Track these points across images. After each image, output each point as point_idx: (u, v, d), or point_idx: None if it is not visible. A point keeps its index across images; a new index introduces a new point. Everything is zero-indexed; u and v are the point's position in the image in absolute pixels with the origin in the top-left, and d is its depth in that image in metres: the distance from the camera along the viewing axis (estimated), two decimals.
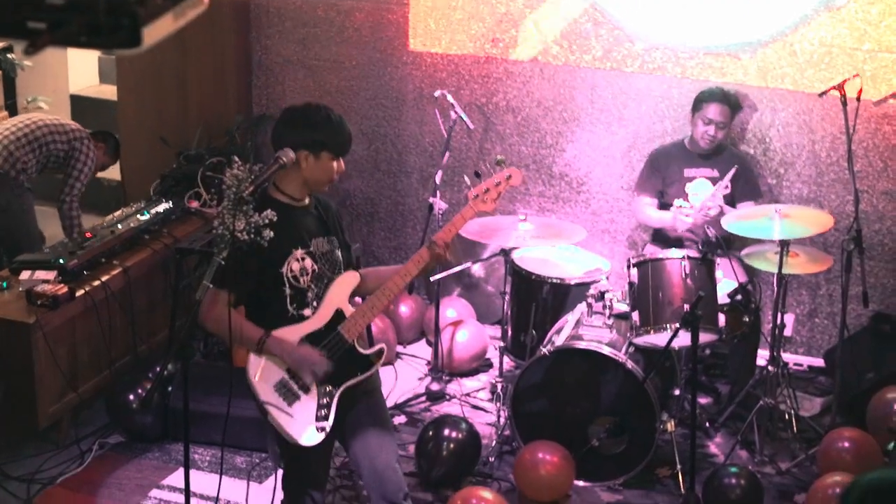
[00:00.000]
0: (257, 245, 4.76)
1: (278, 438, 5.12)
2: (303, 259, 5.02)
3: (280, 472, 5.53)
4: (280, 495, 5.43)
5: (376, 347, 5.23)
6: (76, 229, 7.79)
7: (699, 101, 7.48)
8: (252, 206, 4.75)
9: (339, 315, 5.09)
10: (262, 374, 5.00)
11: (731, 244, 7.25)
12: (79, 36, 2.01)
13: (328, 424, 5.04)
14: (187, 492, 5.11)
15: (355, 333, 5.11)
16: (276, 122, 5.15)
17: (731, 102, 7.49)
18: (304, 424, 5.01)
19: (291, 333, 5.02)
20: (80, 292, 6.83)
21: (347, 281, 5.15)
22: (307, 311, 5.05)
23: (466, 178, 5.34)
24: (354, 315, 5.11)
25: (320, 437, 5.03)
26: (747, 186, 7.54)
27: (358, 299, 5.29)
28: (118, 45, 2.04)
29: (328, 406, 5.05)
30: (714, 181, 7.43)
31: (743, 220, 6.91)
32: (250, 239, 4.73)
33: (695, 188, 7.48)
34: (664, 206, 7.59)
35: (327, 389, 5.06)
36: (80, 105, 11.87)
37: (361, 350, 5.15)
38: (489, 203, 5.30)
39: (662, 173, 7.60)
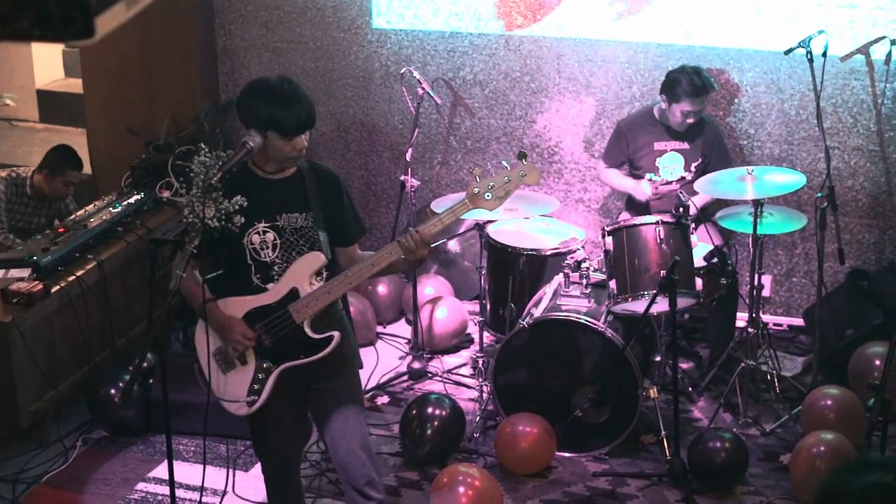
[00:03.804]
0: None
1: None
2: (264, 233, 4.91)
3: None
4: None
5: (327, 334, 4.99)
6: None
7: (675, 94, 7.25)
8: (221, 193, 4.71)
9: (294, 293, 4.94)
10: (203, 339, 5.03)
11: (708, 215, 7.25)
12: (32, 30, 1.99)
13: (260, 400, 4.99)
14: (172, 483, 5.11)
15: (306, 315, 4.93)
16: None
17: (708, 90, 7.31)
18: (234, 394, 5.01)
19: (240, 304, 4.97)
20: (55, 288, 6.79)
21: (310, 260, 4.96)
22: (271, 286, 4.95)
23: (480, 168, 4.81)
24: (308, 296, 4.94)
25: (247, 410, 5.01)
26: (720, 155, 7.51)
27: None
28: (72, 36, 2.01)
29: (263, 381, 4.99)
30: (685, 154, 7.40)
31: (715, 182, 6.91)
32: (221, 226, 4.70)
33: (665, 161, 7.44)
34: (635, 176, 7.57)
35: (265, 366, 5.00)
36: (47, 99, 11.84)
37: (311, 333, 4.97)
38: (492, 201, 4.83)
39: (629, 144, 7.56)
